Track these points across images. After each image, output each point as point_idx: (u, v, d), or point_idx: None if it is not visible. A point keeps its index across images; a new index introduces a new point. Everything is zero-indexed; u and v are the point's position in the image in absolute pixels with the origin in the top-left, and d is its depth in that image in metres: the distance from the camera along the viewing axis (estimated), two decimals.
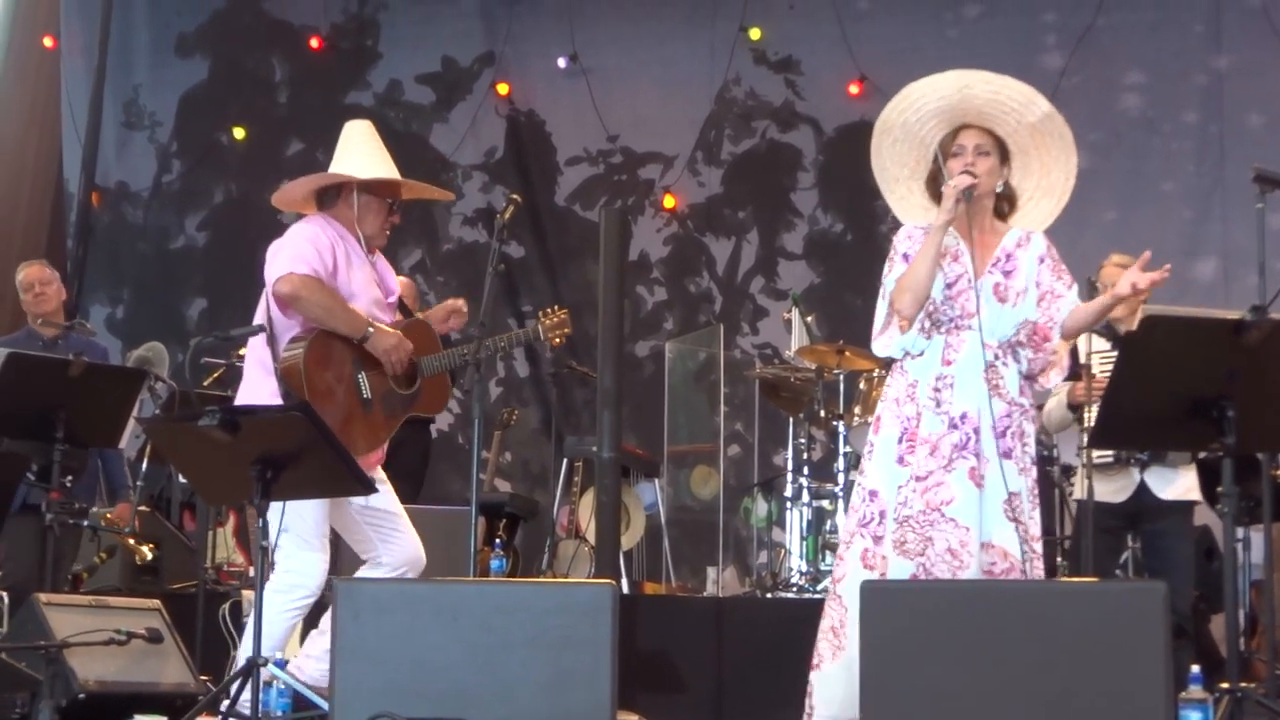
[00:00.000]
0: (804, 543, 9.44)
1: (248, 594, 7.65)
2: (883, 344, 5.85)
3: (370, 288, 6.38)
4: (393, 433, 6.34)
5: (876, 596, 4.83)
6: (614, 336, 8.94)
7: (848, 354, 9.43)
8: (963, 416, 5.64)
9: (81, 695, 6.20)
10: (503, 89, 13.05)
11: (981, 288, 5.70)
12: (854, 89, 12.13)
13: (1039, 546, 5.68)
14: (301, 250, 6.19)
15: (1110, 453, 7.69)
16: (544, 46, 12.95)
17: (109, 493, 8.71)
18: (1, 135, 13.10)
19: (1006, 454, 5.63)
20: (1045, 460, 8.74)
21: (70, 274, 13.22)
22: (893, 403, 5.80)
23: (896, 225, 12.03)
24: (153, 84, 13.75)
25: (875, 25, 12.25)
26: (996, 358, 5.70)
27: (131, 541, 8.80)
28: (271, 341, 6.23)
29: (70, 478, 7.77)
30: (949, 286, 5.74)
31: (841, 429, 9.33)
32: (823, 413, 9.67)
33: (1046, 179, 5.84)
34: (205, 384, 9.58)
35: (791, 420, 9.68)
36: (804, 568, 9.31)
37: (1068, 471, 8.67)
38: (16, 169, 13.12)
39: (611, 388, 9.02)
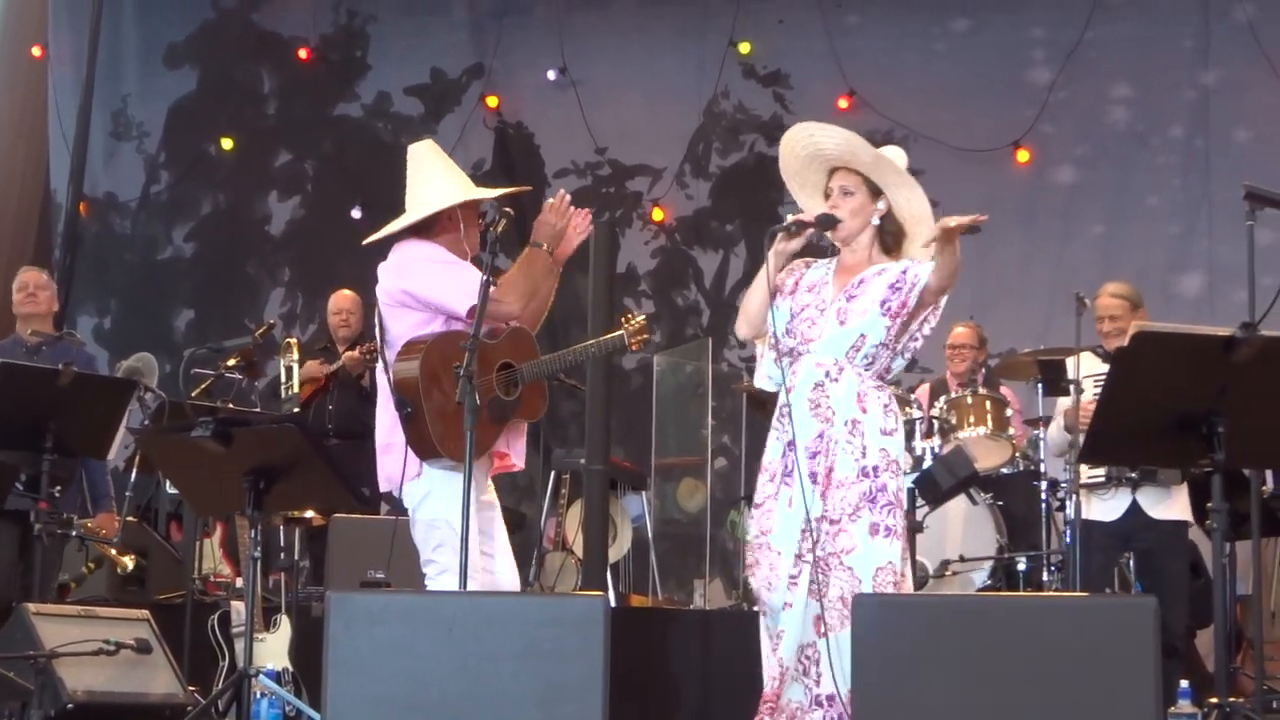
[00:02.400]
0: None
1: (237, 605, 7.65)
2: (758, 376, 6.14)
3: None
4: (498, 439, 6.31)
5: (869, 611, 4.84)
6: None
7: None
8: (790, 442, 5.76)
9: (70, 705, 6.22)
10: (492, 101, 13.07)
11: (830, 313, 5.84)
12: (843, 103, 12.16)
13: (856, 558, 5.65)
14: (454, 279, 6.21)
15: (1101, 473, 7.71)
16: (533, 59, 12.97)
17: (90, 501, 8.68)
18: None
19: (811, 475, 5.70)
20: (1033, 475, 8.76)
21: (58, 284, 13.20)
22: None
23: None
24: (141, 94, 13.73)
25: (864, 40, 12.30)
26: (827, 374, 5.79)
27: (113, 552, 8.78)
28: (382, 353, 6.25)
29: (59, 488, 7.77)
30: (796, 316, 5.89)
31: None
32: None
33: (911, 209, 5.95)
34: (194, 395, 9.56)
35: None
36: None
37: (1054, 487, 8.68)
38: (4, 179, 13.09)
39: (599, 400, 9.03)
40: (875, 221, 5.90)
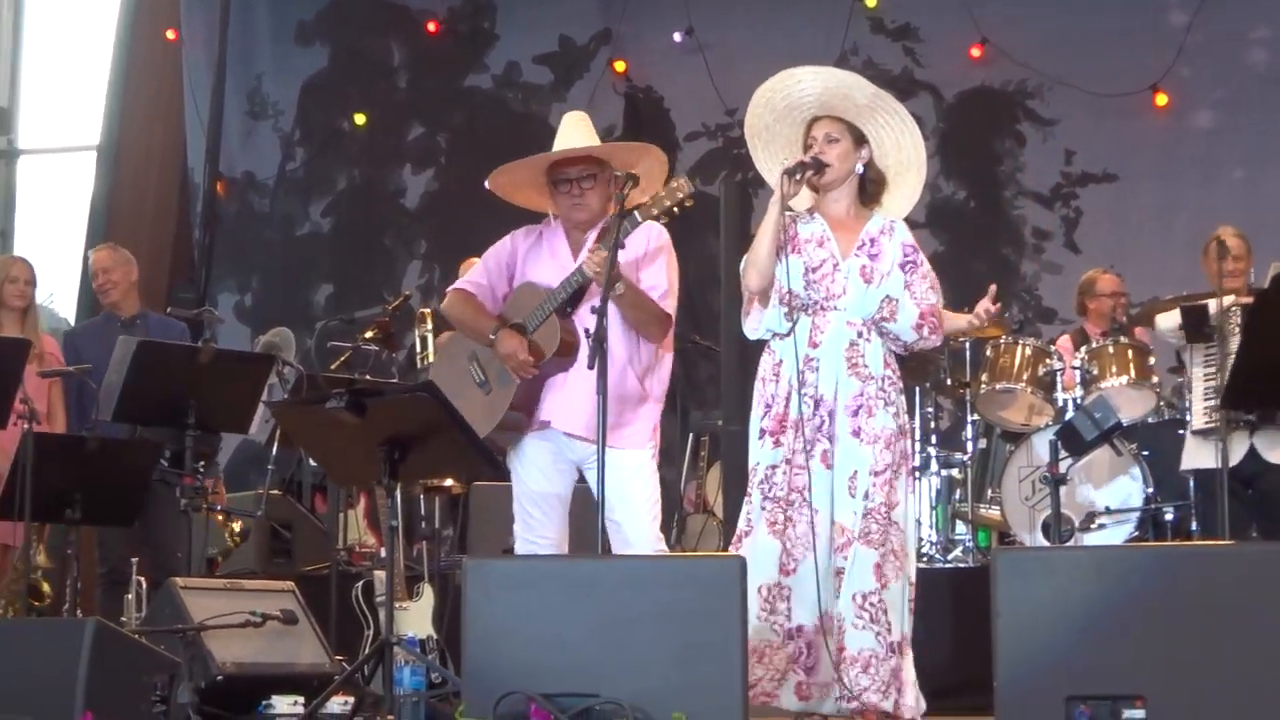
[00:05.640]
0: (934, 512, 9.38)
1: (381, 574, 7.72)
2: (749, 326, 6.05)
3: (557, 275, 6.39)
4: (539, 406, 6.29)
5: (1013, 564, 4.78)
6: (736, 310, 8.86)
7: None
8: (820, 400, 5.77)
9: (220, 677, 6.31)
10: (620, 66, 13.02)
11: (849, 270, 5.82)
12: (975, 53, 11.99)
13: (900, 514, 5.75)
14: (474, 267, 6.67)
15: (1212, 421, 7.66)
16: (660, 22, 12.90)
17: None
18: (127, 128, 13.31)
19: (855, 432, 5.74)
20: (1178, 424, 8.61)
21: (198, 263, 13.38)
22: (759, 382, 5.99)
23: (1020, 192, 11.88)
24: (274, 73, 13.84)
25: None
26: (860, 335, 5.81)
27: (220, 519, 8.89)
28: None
29: (203, 463, 7.89)
30: (813, 271, 5.84)
31: (969, 397, 9.27)
32: (949, 381, 9.61)
33: (901, 155, 5.96)
34: (333, 367, 9.66)
35: (919, 389, 9.60)
36: (934, 537, 9.25)
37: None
38: (143, 161, 13.32)
39: (735, 361, 9.00)
40: (859, 170, 5.89)
